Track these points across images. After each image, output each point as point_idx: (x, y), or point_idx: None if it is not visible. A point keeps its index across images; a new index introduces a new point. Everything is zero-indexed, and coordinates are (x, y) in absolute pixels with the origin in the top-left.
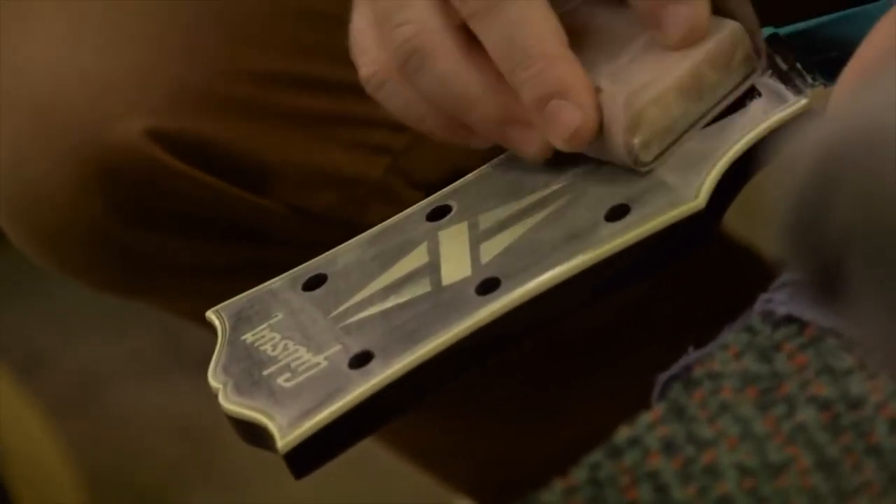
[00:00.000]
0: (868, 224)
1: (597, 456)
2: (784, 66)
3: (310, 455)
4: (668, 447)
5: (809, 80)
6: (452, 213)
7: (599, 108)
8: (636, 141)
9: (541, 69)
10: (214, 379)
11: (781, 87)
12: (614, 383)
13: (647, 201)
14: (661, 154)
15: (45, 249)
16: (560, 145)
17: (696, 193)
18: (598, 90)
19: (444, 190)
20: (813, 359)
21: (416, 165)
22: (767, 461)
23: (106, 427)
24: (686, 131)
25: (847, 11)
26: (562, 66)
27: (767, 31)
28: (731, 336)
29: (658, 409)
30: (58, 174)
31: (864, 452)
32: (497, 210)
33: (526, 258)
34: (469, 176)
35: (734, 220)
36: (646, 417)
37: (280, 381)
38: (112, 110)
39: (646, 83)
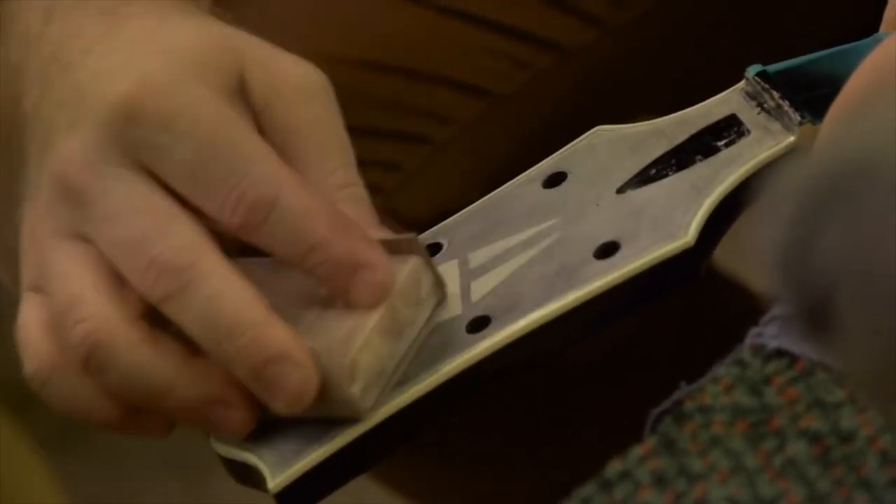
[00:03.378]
0: (855, 259)
1: (588, 489)
2: (772, 104)
3: (301, 494)
4: (660, 481)
5: (798, 117)
6: (443, 251)
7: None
8: (355, 390)
9: (252, 338)
10: None
11: (770, 124)
12: (606, 417)
13: (636, 239)
14: (378, 397)
15: None
16: (284, 409)
17: (686, 230)
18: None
19: (435, 228)
20: (803, 392)
21: (409, 205)
22: (758, 495)
23: (98, 461)
24: (395, 372)
25: (835, 49)
26: (273, 330)
27: (756, 68)
28: (722, 370)
29: (649, 443)
30: None
31: (855, 486)
32: (487, 248)
33: (517, 296)
34: (459, 214)
35: (724, 255)
36: (637, 451)
37: (271, 420)
38: None
39: (347, 332)
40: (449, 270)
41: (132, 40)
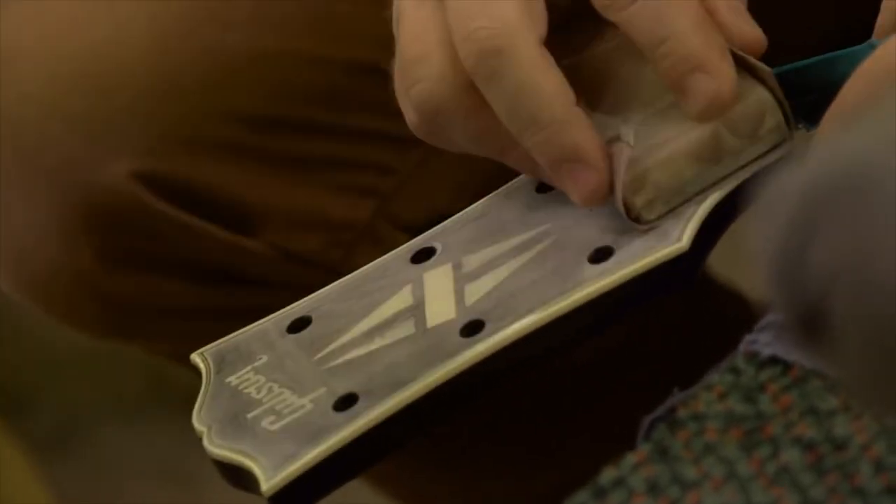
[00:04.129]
0: (850, 265)
1: (582, 496)
2: None
3: (295, 497)
4: (653, 488)
5: (792, 122)
6: (437, 254)
7: (611, 164)
8: (638, 201)
9: (548, 135)
10: (199, 422)
11: None
12: (600, 423)
13: (630, 243)
14: (669, 212)
15: (32, 294)
16: (578, 202)
17: (680, 235)
18: (615, 138)
19: (429, 231)
20: (797, 400)
21: (404, 208)
22: (752, 503)
23: (90, 468)
24: (700, 191)
25: (829, 55)
26: (569, 129)
27: None
28: (716, 377)
29: (643, 450)
30: (44, 219)
31: (848, 494)
32: (482, 252)
33: (510, 300)
34: (453, 217)
35: (718, 261)
36: (630, 458)
37: (265, 423)
38: (98, 153)
39: (661, 141)
40: (442, 275)
41: None
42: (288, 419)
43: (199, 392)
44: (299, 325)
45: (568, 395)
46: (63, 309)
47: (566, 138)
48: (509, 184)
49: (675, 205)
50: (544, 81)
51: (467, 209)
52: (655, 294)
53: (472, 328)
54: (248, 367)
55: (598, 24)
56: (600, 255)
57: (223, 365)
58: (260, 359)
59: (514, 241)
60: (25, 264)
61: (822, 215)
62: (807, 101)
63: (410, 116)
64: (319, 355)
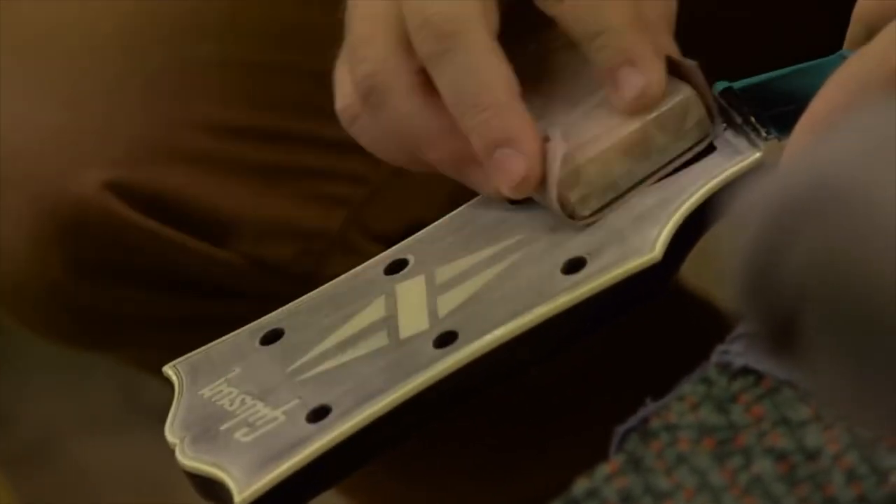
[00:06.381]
0: (822, 276)
1: None
2: (738, 120)
3: None
4: (626, 499)
5: (763, 133)
6: (410, 266)
7: (544, 159)
8: (572, 197)
9: (487, 118)
10: (172, 434)
11: (736, 141)
12: (572, 435)
13: (603, 254)
14: (602, 209)
15: (3, 304)
16: (506, 192)
17: (653, 246)
18: (546, 139)
19: (402, 243)
20: (769, 410)
21: (375, 218)
22: None
23: (64, 482)
24: (632, 188)
25: (801, 65)
26: (508, 115)
27: (721, 84)
28: (688, 387)
29: (615, 461)
30: (15, 229)
31: (821, 503)
32: (454, 263)
33: (483, 311)
34: (426, 229)
35: (690, 272)
36: (603, 469)
37: (237, 435)
38: (70, 164)
39: (590, 139)
40: (415, 286)
41: None
42: (261, 431)
43: (172, 404)
44: (272, 336)
45: (541, 404)
46: (34, 319)
47: (506, 122)
48: (483, 195)
49: (608, 200)
50: (493, 66)
51: (440, 220)
52: (628, 305)
53: (445, 339)
54: (221, 379)
55: (535, 24)
56: (573, 265)
57: (196, 377)
58: (233, 371)
59: (488, 252)
60: None
61: (794, 226)
62: (778, 111)
63: (344, 94)
64: (292, 367)
